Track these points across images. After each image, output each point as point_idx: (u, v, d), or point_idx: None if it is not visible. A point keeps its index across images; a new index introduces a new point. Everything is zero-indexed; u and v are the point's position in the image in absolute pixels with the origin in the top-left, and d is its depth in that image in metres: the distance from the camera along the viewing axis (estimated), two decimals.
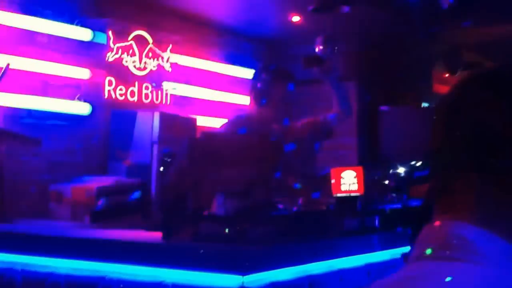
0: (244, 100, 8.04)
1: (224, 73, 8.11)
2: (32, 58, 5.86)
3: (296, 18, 7.76)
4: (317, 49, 7.96)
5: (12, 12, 5.73)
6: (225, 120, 6.41)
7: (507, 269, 1.03)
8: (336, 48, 7.94)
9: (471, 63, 10.04)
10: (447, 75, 9.91)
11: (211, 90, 7.89)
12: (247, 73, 8.23)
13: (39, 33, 5.96)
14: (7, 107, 5.64)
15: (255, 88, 5.36)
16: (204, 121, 7.43)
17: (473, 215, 1.09)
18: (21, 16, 5.79)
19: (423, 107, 9.70)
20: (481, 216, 1.09)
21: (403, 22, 7.96)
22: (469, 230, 1.07)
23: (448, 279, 1.02)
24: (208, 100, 7.85)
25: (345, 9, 7.30)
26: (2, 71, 5.08)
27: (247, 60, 8.47)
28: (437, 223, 1.14)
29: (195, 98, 7.66)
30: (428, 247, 1.10)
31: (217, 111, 7.88)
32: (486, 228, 1.07)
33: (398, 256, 4.35)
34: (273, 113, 5.34)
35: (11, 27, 5.73)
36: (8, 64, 5.15)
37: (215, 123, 7.64)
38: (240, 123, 5.29)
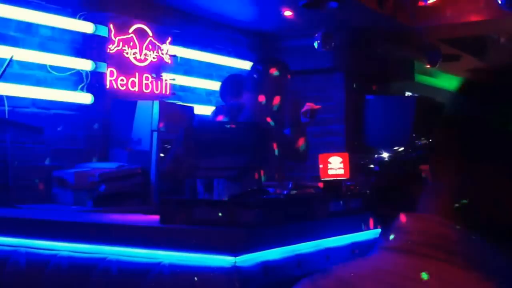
0: None
1: (220, 64, 8.07)
2: (37, 50, 5.81)
3: (288, 13, 7.73)
4: (316, 44, 8.00)
5: (18, 6, 5.67)
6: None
7: (487, 274, 0.97)
8: (332, 43, 7.98)
9: (449, 56, 10.07)
10: (428, 66, 9.92)
11: (208, 80, 7.86)
12: (242, 64, 8.21)
13: (44, 26, 5.91)
14: (12, 97, 5.58)
15: (251, 79, 5.35)
16: (201, 110, 7.41)
17: (452, 211, 1.03)
18: (26, 10, 5.73)
19: (406, 96, 9.71)
20: (458, 212, 1.02)
21: (387, 17, 7.94)
22: (452, 229, 1.01)
23: (425, 276, 0.96)
24: (205, 90, 7.83)
25: (333, 4, 7.29)
26: (6, 63, 5.04)
27: (242, 52, 8.45)
28: (418, 215, 1.07)
29: (193, 88, 7.63)
30: (408, 239, 1.03)
31: (214, 100, 7.86)
32: (462, 224, 1.00)
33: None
34: (268, 102, 5.33)
35: (17, 19, 5.67)
36: (12, 56, 5.11)
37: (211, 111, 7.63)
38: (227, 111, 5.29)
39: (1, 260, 3.92)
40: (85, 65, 6.21)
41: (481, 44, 10.61)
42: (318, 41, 7.95)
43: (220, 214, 3.42)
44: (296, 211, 3.79)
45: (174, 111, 6.25)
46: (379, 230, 4.36)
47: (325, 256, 3.86)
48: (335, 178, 4.24)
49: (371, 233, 4.33)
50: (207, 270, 3.25)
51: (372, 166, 5.35)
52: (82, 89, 6.19)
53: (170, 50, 7.05)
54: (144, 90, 6.69)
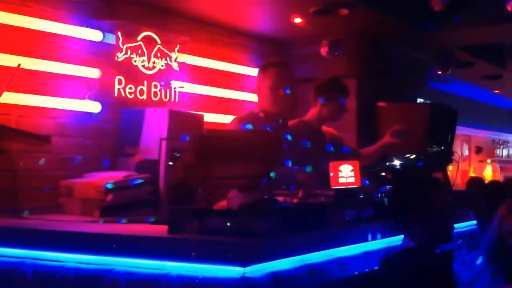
0: (249, 97, 8.03)
1: (230, 71, 8.05)
2: (44, 58, 5.80)
3: (298, 20, 7.71)
4: (323, 51, 7.98)
5: (25, 14, 5.67)
6: (231, 117, 6.38)
7: None
8: (340, 50, 7.95)
9: (461, 62, 10.03)
10: (440, 72, 9.88)
11: (218, 88, 7.83)
12: (253, 72, 8.18)
13: (51, 34, 5.90)
14: (19, 106, 5.57)
15: (262, 83, 5.34)
16: (211, 118, 7.38)
17: None
18: (34, 19, 5.73)
19: (418, 103, 9.66)
20: None
21: (399, 23, 7.91)
22: None
23: None
24: (215, 98, 7.80)
25: (344, 11, 7.27)
26: (14, 71, 5.03)
27: (252, 59, 8.42)
28: None
29: (202, 96, 7.61)
30: None
31: (223, 108, 7.83)
32: None
33: (393, 244, 4.31)
34: (280, 104, 5.32)
35: (24, 28, 5.66)
36: (19, 65, 5.09)
37: (222, 120, 7.59)
38: (251, 117, 5.26)
39: (7, 271, 3.91)
40: (93, 73, 6.20)
41: (496, 50, 10.57)
42: (325, 49, 7.91)
43: (228, 224, 3.40)
44: (307, 220, 3.76)
45: (183, 119, 6.22)
46: (393, 239, 4.33)
47: (337, 265, 3.83)
48: (346, 187, 4.20)
49: (384, 242, 4.30)
50: (216, 281, 3.22)
51: (384, 174, 5.32)
52: (90, 98, 6.17)
53: (179, 57, 7.03)
54: (153, 98, 6.67)
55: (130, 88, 6.45)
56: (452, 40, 9.11)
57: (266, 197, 3.97)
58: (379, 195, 4.56)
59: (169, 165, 5.85)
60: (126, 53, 6.44)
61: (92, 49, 6.26)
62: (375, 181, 4.99)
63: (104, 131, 6.28)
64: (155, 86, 6.73)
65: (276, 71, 5.37)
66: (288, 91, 5.37)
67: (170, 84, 6.91)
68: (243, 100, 8.11)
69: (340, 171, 4.21)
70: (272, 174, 4.02)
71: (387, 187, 4.68)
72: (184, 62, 7.20)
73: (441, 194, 3.83)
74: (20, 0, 5.65)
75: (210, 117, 7.32)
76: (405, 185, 4.01)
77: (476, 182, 5.62)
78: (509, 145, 17.01)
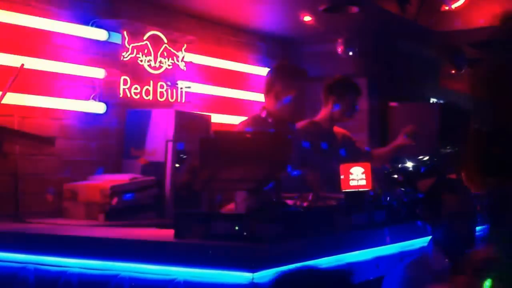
0: (257, 97, 7.99)
1: (237, 71, 8.02)
2: (48, 58, 5.78)
3: (307, 18, 7.68)
4: (339, 50, 7.96)
5: (28, 13, 5.65)
6: (239, 118, 6.37)
7: None
8: (356, 49, 7.92)
9: (475, 60, 9.98)
10: (453, 71, 9.83)
11: (225, 88, 7.80)
12: (261, 71, 8.15)
13: (55, 33, 5.88)
14: (22, 107, 5.55)
15: (273, 87, 5.26)
16: (219, 119, 7.35)
17: None
18: (38, 18, 5.71)
19: (431, 103, 9.63)
20: None
21: (410, 21, 7.88)
22: None
23: None
24: (222, 98, 7.76)
25: (354, 9, 7.24)
26: (17, 72, 5.00)
27: (261, 58, 8.39)
28: None
29: (209, 96, 7.58)
30: None
31: (231, 108, 7.80)
32: None
33: (406, 249, 4.28)
34: (290, 110, 5.26)
35: (27, 27, 5.64)
36: (22, 65, 5.07)
37: (230, 120, 7.56)
38: (258, 122, 5.21)
39: (9, 277, 3.89)
40: (98, 73, 6.18)
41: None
42: (341, 48, 7.87)
43: (236, 228, 3.37)
44: (317, 224, 3.72)
45: (190, 120, 6.19)
46: (406, 243, 4.31)
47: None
48: (357, 189, 4.16)
49: (396, 247, 4.27)
50: (224, 287, 3.19)
51: (396, 176, 5.28)
52: (94, 98, 6.15)
53: (185, 57, 7.00)
54: (159, 99, 6.64)
55: (136, 88, 6.43)
56: (465, 37, 9.07)
57: (274, 200, 3.92)
58: (391, 198, 4.52)
59: (176, 167, 5.84)
60: (132, 53, 6.41)
61: (97, 49, 6.25)
62: (388, 184, 4.96)
63: (109, 133, 6.26)
64: (161, 86, 6.71)
65: (304, 83, 5.32)
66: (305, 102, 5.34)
67: (177, 84, 6.88)
68: (251, 100, 8.07)
69: (351, 174, 4.16)
70: (280, 177, 3.99)
71: (401, 189, 4.64)
72: (191, 62, 7.17)
73: (467, 196, 3.79)
74: None
75: (217, 118, 7.29)
76: (433, 186, 3.96)
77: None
78: None
